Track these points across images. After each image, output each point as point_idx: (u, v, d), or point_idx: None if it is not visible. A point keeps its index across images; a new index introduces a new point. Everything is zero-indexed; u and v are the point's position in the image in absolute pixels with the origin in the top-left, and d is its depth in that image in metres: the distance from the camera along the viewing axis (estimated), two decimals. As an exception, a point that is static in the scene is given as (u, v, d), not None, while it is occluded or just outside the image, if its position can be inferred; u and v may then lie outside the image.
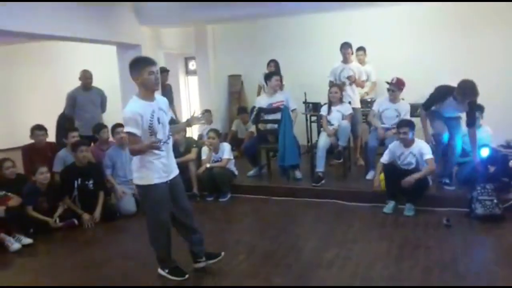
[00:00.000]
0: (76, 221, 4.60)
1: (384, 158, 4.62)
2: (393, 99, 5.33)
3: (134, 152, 3.01)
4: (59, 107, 6.15)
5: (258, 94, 6.78)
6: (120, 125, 4.91)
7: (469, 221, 4.19)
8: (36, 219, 4.42)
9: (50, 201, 4.58)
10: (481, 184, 4.25)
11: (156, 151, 3.00)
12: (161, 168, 3.05)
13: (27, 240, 4.11)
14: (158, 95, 3.17)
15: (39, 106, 8.97)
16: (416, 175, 4.37)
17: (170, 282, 3.24)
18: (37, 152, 5.19)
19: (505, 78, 6.64)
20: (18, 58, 9.80)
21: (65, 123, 5.86)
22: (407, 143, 4.53)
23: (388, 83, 5.35)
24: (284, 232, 4.18)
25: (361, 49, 6.55)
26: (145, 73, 2.94)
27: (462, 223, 4.16)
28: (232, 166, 5.53)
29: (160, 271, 3.31)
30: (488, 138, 4.93)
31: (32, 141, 5.26)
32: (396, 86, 5.26)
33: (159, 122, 3.03)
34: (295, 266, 3.42)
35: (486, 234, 3.97)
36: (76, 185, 4.72)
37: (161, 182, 3.06)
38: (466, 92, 4.36)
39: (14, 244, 4.00)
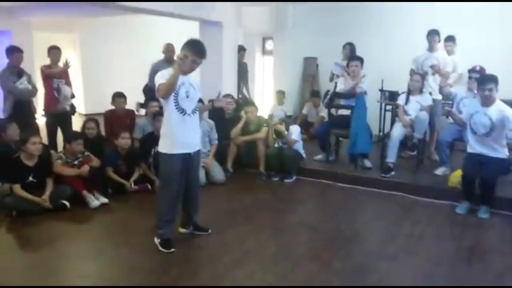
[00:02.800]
0: (149, 186, 4.88)
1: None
2: (473, 88, 4.93)
3: (164, 86, 3.08)
4: (145, 78, 6.48)
5: (331, 79, 6.65)
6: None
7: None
8: (114, 180, 4.76)
9: (128, 165, 4.89)
10: None
11: (178, 123, 3.21)
12: (180, 140, 3.26)
13: (104, 200, 4.43)
14: (191, 76, 3.35)
15: (126, 76, 9.51)
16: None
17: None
18: (117, 118, 5.56)
19: None
20: (111, 30, 10.43)
21: (146, 93, 6.19)
22: (487, 101, 4.14)
23: (470, 71, 5.06)
24: (348, 219, 4.14)
25: (450, 39, 6.12)
26: (189, 57, 3.14)
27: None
28: (300, 149, 5.53)
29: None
30: None
31: (113, 107, 5.65)
32: (480, 73, 4.90)
33: (187, 96, 3.25)
34: (357, 254, 3.39)
35: None
36: (152, 152, 4.98)
37: (178, 153, 3.26)
38: None
39: (94, 202, 4.34)
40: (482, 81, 4.20)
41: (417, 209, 4.43)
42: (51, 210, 4.13)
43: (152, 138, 5.01)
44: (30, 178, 4.17)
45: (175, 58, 6.05)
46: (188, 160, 3.36)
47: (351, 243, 3.59)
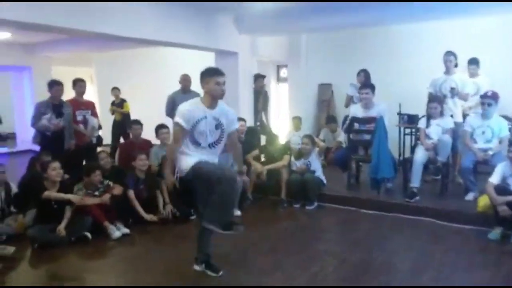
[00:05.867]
0: (170, 216, 4.83)
1: (494, 178, 4.20)
2: (488, 114, 4.95)
3: (168, 152, 3.19)
4: (161, 108, 6.52)
5: (346, 105, 6.61)
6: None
7: None
8: (136, 211, 4.69)
9: (148, 189, 4.86)
10: None
11: (196, 150, 3.16)
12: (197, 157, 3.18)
13: (126, 230, 4.39)
14: (226, 106, 3.28)
15: (144, 107, 9.56)
16: (510, 197, 3.96)
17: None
18: (134, 147, 5.48)
19: None
20: (127, 62, 10.63)
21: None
22: None
23: (482, 96, 5.03)
24: (376, 247, 4.01)
25: (473, 62, 6.04)
26: (212, 83, 3.10)
27: None
28: (321, 175, 5.46)
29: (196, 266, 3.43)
30: None
31: (129, 139, 5.67)
32: (492, 98, 4.90)
33: (208, 131, 3.15)
34: (388, 285, 3.25)
35: None
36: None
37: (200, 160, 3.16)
38: None
39: (115, 232, 4.29)
40: (510, 144, 4.26)
41: (446, 236, 4.28)
42: (73, 242, 4.09)
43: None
44: (53, 204, 4.18)
45: (191, 88, 6.23)
46: None
47: (381, 273, 3.45)
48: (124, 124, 8.06)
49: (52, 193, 4.20)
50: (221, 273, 3.37)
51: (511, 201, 3.96)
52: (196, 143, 3.17)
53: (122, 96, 8.79)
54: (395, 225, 4.68)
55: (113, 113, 8.51)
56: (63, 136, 5.28)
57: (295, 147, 5.82)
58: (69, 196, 4.24)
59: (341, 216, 5.04)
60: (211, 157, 3.26)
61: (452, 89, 5.48)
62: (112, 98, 8.79)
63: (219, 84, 3.12)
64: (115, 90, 8.78)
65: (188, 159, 3.17)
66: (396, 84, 7.15)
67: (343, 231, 4.69)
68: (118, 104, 8.58)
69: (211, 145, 3.23)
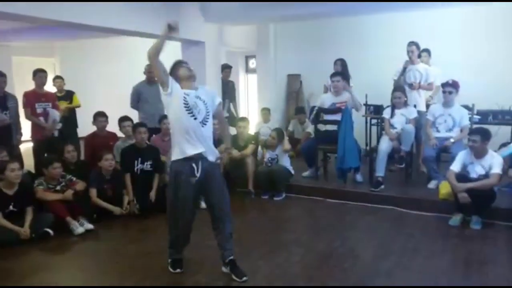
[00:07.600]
0: (136, 211, 4.73)
1: (455, 166, 4.31)
2: (449, 102, 5.09)
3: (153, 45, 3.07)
4: (126, 100, 6.36)
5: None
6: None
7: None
8: (100, 206, 4.59)
9: (114, 188, 4.74)
10: None
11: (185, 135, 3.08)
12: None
13: (89, 226, 4.26)
14: (206, 87, 3.39)
15: (109, 98, 9.34)
16: (469, 184, 4.10)
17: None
18: (99, 140, 5.36)
19: None
20: (92, 53, 10.34)
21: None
22: (477, 153, 4.24)
23: (444, 85, 5.16)
24: (341, 236, 4.07)
25: (424, 51, 6.20)
26: (179, 69, 3.22)
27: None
28: (289, 165, 5.48)
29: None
30: None
31: (93, 131, 5.49)
32: (453, 86, 5.05)
33: (195, 106, 3.10)
34: (352, 272, 3.31)
35: None
36: (136, 164, 4.85)
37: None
38: None
39: (78, 228, 4.17)
40: (471, 132, 4.39)
41: (409, 223, 4.39)
42: (34, 240, 3.96)
43: (134, 150, 4.87)
44: (11, 208, 4.01)
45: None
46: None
47: (345, 260, 3.51)
48: (72, 122, 6.70)
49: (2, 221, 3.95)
50: (244, 278, 3.15)
51: (470, 188, 4.08)
52: (186, 126, 3.05)
53: (84, 87, 8.12)
54: (360, 213, 4.77)
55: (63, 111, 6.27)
56: (10, 130, 5.06)
57: (264, 138, 5.84)
58: (17, 228, 3.94)
59: (308, 206, 5.08)
60: (202, 144, 3.13)
61: (410, 84, 5.59)
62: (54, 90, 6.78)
63: (183, 67, 3.24)
64: (59, 80, 6.91)
65: (175, 152, 3.14)
66: (363, 74, 7.21)
67: (310, 221, 4.73)
68: (64, 97, 6.74)
69: (202, 122, 3.11)
